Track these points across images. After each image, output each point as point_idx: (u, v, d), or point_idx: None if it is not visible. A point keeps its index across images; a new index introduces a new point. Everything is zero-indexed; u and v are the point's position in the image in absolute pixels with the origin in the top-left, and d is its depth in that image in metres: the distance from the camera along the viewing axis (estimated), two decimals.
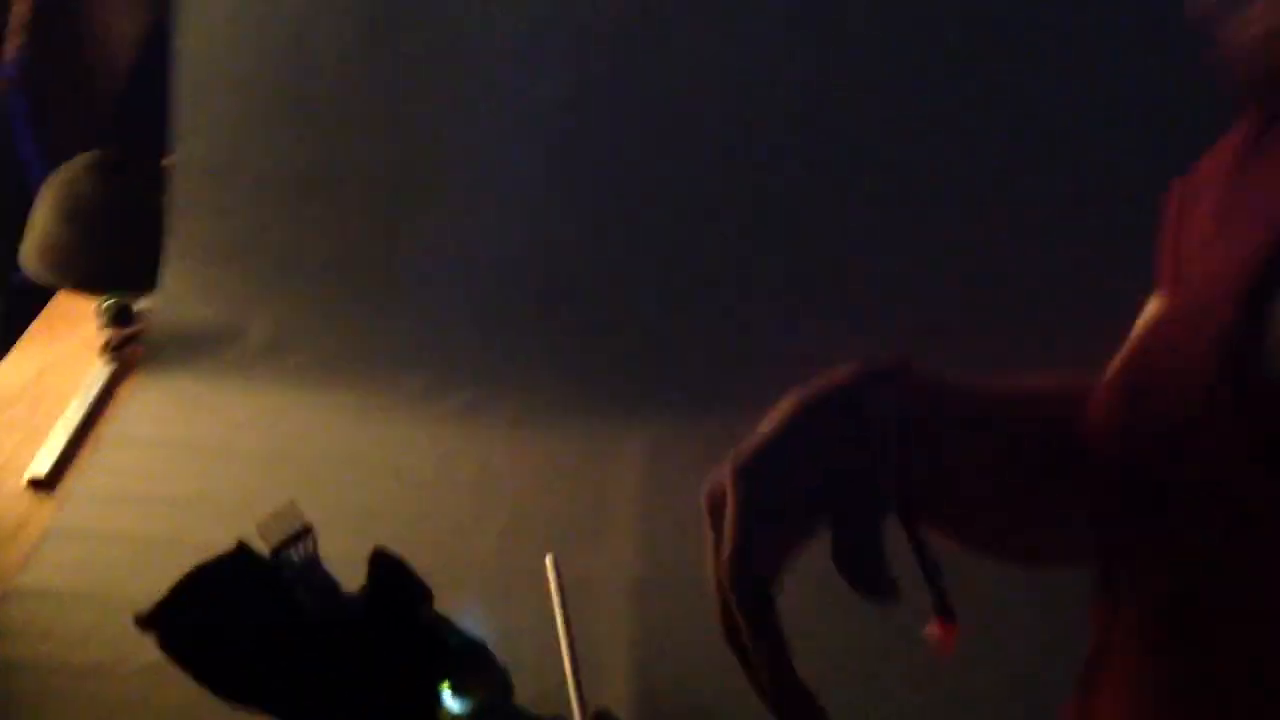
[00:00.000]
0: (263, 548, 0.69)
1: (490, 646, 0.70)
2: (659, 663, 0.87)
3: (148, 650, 0.85)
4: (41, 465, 1.01)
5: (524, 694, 0.82)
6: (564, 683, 0.83)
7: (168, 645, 0.66)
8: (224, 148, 1.17)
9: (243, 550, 0.68)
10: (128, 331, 1.14)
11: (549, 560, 0.92)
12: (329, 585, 0.70)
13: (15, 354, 1.16)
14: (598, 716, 0.80)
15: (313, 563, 0.68)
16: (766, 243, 1.16)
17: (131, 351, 1.14)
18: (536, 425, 1.09)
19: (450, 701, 0.67)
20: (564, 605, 0.88)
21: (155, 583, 0.90)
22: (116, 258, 1.19)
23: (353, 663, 0.67)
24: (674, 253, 1.16)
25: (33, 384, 1.11)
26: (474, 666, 0.69)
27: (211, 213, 1.17)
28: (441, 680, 0.68)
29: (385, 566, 0.70)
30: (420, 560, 0.94)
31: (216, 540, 0.94)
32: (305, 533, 0.67)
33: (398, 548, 0.94)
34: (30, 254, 1.21)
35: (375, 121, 1.16)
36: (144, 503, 0.99)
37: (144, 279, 1.16)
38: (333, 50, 1.14)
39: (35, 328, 1.19)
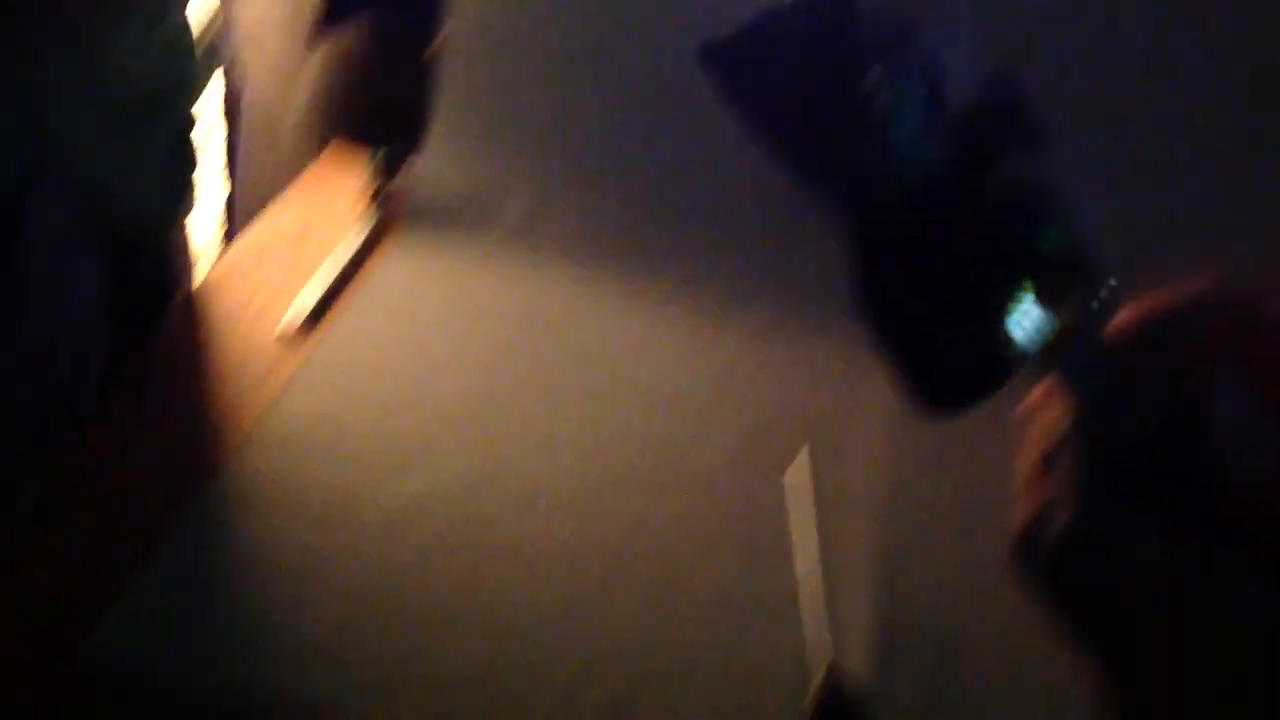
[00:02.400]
0: None
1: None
2: (907, 594, 0.80)
3: (374, 511, 0.83)
4: (293, 315, 1.00)
5: (758, 633, 0.76)
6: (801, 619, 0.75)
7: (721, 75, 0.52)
8: (496, 21, 1.12)
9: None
10: (393, 190, 1.11)
11: (796, 467, 0.84)
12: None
13: (284, 200, 1.15)
14: (830, 676, 0.72)
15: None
16: None
17: (394, 211, 1.11)
18: (794, 326, 1.01)
19: (1026, 310, 0.47)
20: (808, 526, 0.81)
21: (385, 445, 0.88)
22: (389, 113, 1.16)
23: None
24: None
25: (296, 232, 1.10)
26: (1070, 271, 0.47)
27: (480, 82, 1.12)
28: (1024, 275, 0.47)
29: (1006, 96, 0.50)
30: (646, 464, 0.89)
31: (448, 408, 0.91)
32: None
33: (620, 445, 0.89)
34: (303, 105, 1.19)
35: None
36: (385, 365, 0.97)
37: (414, 138, 1.13)
38: None
39: (307, 175, 1.18)
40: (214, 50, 1.06)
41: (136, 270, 0.99)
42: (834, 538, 0.82)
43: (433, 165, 1.12)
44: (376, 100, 1.17)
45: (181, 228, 1.09)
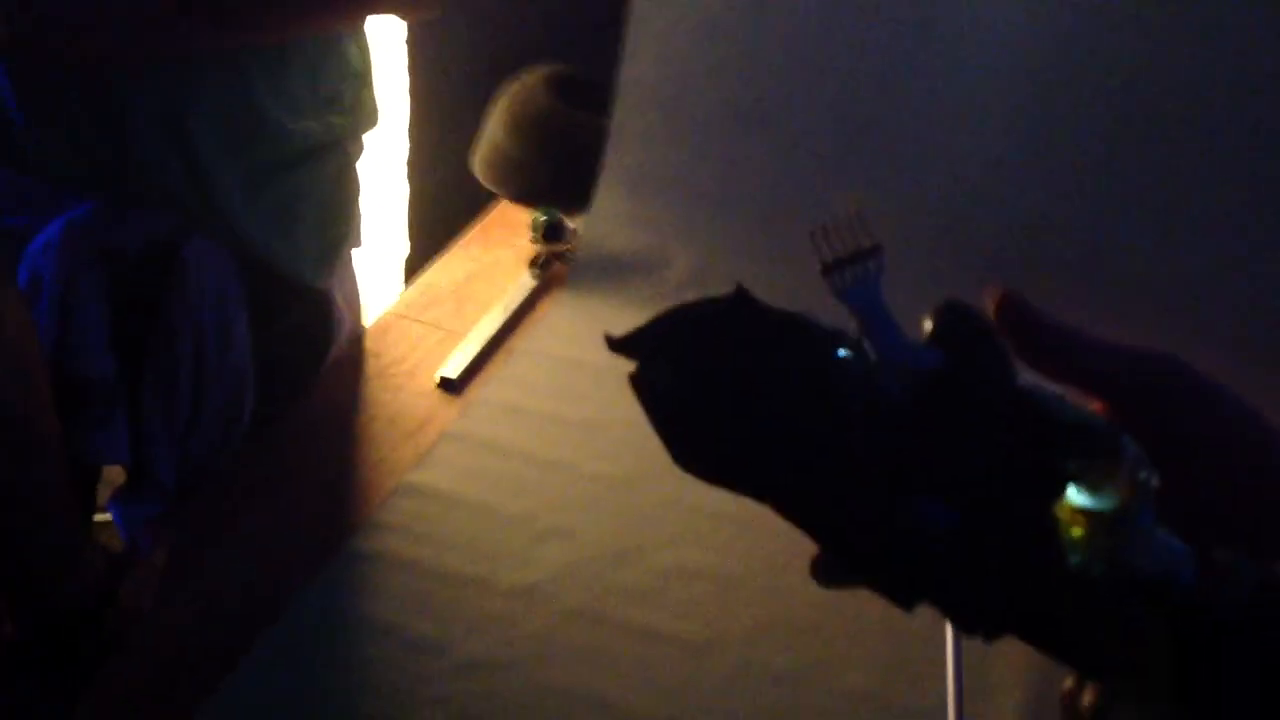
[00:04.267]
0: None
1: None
2: None
3: (519, 572, 0.81)
4: (453, 368, 1.00)
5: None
6: None
7: (643, 384, 0.46)
8: (668, 75, 1.11)
9: (743, 301, 0.48)
10: (557, 248, 1.11)
11: None
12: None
13: (449, 256, 1.16)
14: None
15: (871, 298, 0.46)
16: None
17: (557, 269, 1.11)
18: None
19: (1080, 498, 0.43)
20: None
21: (536, 502, 0.86)
22: (557, 175, 1.16)
23: (920, 450, 0.47)
24: None
25: (460, 287, 1.11)
26: (1103, 455, 0.42)
27: (647, 141, 1.12)
28: (1062, 471, 0.42)
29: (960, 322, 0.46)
30: (795, 554, 0.83)
31: (601, 471, 0.89)
32: (872, 253, 0.45)
33: (768, 531, 0.84)
34: (477, 160, 1.20)
35: (831, 59, 1.05)
36: (542, 420, 0.95)
37: (580, 199, 1.12)
38: None
39: (472, 234, 1.19)
40: (376, 102, 1.07)
41: (289, 319, 1.00)
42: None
43: (598, 227, 1.11)
44: (547, 162, 1.17)
45: (344, 272, 1.10)
